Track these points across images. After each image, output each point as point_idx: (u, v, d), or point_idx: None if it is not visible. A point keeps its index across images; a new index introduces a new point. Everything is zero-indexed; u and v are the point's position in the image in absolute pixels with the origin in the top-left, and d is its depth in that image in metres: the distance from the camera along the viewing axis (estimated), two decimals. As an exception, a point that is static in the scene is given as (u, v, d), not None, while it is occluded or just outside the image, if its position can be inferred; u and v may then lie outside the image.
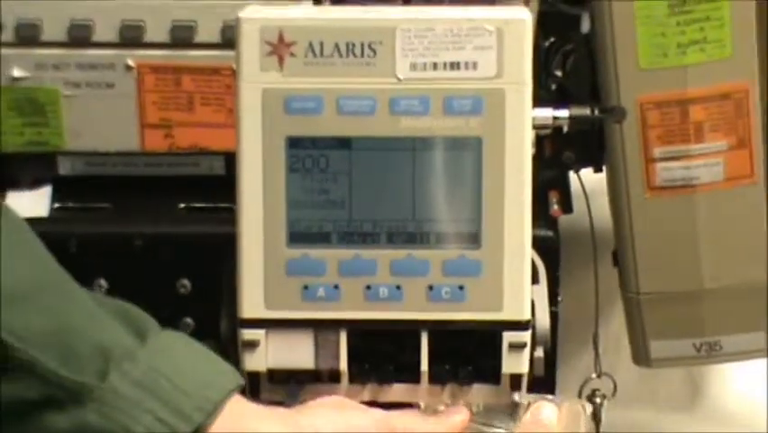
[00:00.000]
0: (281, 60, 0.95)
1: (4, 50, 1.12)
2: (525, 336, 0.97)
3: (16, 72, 1.13)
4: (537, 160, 0.97)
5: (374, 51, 0.95)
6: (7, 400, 0.92)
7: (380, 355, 0.99)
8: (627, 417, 1.19)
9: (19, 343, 0.90)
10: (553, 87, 1.13)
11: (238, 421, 0.93)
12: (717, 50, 1.07)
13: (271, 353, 0.98)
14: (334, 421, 0.94)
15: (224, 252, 0.98)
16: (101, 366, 0.92)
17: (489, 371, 0.98)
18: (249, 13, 0.95)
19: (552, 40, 1.14)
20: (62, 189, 1.17)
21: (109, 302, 0.97)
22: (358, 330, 0.98)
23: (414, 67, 0.95)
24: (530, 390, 0.99)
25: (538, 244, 0.98)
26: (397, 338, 0.98)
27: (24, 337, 0.90)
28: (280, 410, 0.95)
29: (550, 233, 1.13)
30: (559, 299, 1.12)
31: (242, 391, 0.95)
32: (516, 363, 0.97)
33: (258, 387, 0.99)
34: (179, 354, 0.95)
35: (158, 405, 0.92)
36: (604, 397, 1.12)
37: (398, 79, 0.95)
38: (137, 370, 0.93)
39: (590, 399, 1.12)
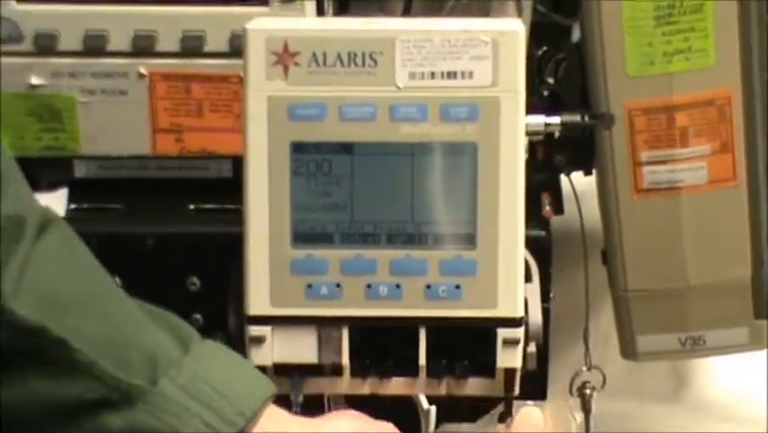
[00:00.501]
0: (286, 69, 0.94)
1: (23, 59, 1.12)
2: (519, 333, 0.96)
3: (34, 80, 1.12)
4: (530, 163, 0.97)
5: (375, 61, 0.94)
6: (66, 400, 0.92)
7: (380, 351, 0.98)
8: (616, 408, 1.18)
9: (80, 345, 0.90)
10: (546, 93, 1.12)
11: (274, 426, 0.93)
12: (701, 59, 1.07)
13: (277, 348, 0.98)
14: (355, 426, 0.95)
15: (231, 251, 0.97)
16: (150, 372, 0.92)
17: (483, 365, 0.97)
18: (255, 25, 0.95)
19: (544, 49, 1.13)
20: (78, 191, 1.16)
21: (154, 311, 0.97)
22: (359, 327, 0.97)
23: (413, 76, 0.94)
24: (522, 383, 0.98)
25: (531, 243, 0.98)
26: (396, 334, 0.97)
27: (84, 341, 0.91)
28: (307, 418, 0.96)
29: (542, 233, 1.13)
30: (551, 296, 1.11)
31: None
32: (509, 358, 0.97)
33: None
34: (220, 364, 0.95)
35: (203, 409, 0.92)
36: (593, 389, 1.13)
37: (398, 88, 0.94)
38: (182, 377, 0.93)
39: (581, 391, 1.12)
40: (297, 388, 0.99)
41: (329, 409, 1.12)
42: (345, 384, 0.99)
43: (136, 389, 0.92)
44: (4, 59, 1.11)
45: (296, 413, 0.98)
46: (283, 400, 0.95)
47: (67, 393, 0.92)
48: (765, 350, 1.14)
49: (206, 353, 0.96)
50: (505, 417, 1.02)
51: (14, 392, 0.93)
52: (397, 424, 1.08)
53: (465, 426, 1.11)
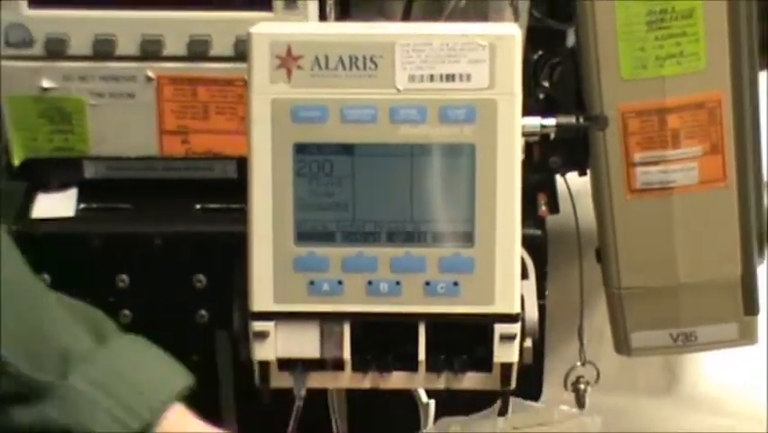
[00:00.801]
0: (289, 73, 0.93)
1: (35, 63, 1.11)
2: (515, 328, 0.95)
3: (45, 83, 1.12)
4: (526, 164, 0.95)
5: (375, 64, 0.93)
6: None
7: (381, 346, 0.97)
8: (609, 402, 1.18)
9: None
10: (541, 96, 1.11)
11: (179, 423, 0.95)
12: (692, 62, 1.06)
13: (280, 343, 0.96)
14: None
15: (236, 249, 0.96)
16: (62, 366, 0.92)
17: (481, 360, 0.96)
18: (259, 29, 0.94)
19: (540, 53, 1.12)
20: (87, 191, 1.16)
21: (75, 305, 0.98)
22: (360, 322, 0.96)
23: (412, 79, 0.93)
24: (519, 378, 0.97)
25: (527, 242, 0.97)
26: (396, 330, 0.96)
27: None
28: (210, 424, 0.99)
29: (538, 232, 1.12)
30: (546, 293, 1.10)
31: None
32: (506, 353, 0.96)
33: (268, 375, 0.97)
34: (135, 357, 0.96)
35: (113, 404, 0.93)
36: (588, 384, 1.12)
37: (398, 90, 0.93)
38: (95, 370, 0.93)
39: (575, 385, 1.12)
40: (299, 382, 0.97)
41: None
42: (347, 379, 0.98)
43: (46, 384, 0.92)
44: (16, 63, 1.11)
45: (299, 407, 0.98)
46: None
47: None
48: (755, 345, 1.13)
49: (123, 346, 0.97)
50: (503, 411, 1.02)
51: None
52: (396, 418, 1.08)
53: (464, 419, 1.09)
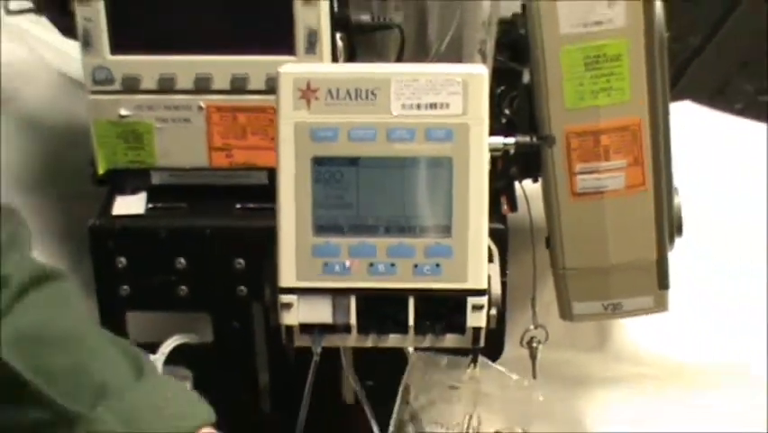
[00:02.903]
0: (308, 102, 0.91)
1: (115, 96, 1.08)
2: (483, 300, 0.92)
3: (123, 111, 1.08)
4: (492, 173, 0.93)
5: (375, 95, 0.90)
6: (20, 423, 0.87)
7: (380, 314, 0.94)
8: (555, 356, 1.14)
9: (33, 377, 0.85)
10: (503, 121, 1.08)
11: None
12: (619, 95, 1.03)
13: (301, 311, 0.93)
14: None
15: (267, 239, 0.93)
16: (95, 399, 0.86)
17: (457, 325, 0.93)
18: (286, 69, 0.91)
19: (502, 88, 1.09)
20: (154, 195, 1.12)
21: (121, 342, 0.93)
22: (363, 296, 0.93)
23: (404, 107, 0.91)
24: (486, 338, 0.94)
25: (492, 233, 0.94)
26: (391, 302, 0.93)
27: (40, 373, 0.86)
28: None
29: (501, 226, 1.08)
30: (507, 273, 1.07)
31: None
32: (476, 319, 0.93)
33: (292, 337, 0.94)
34: (165, 393, 0.90)
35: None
36: (539, 342, 1.09)
37: (393, 115, 0.90)
38: (123, 405, 0.87)
39: (529, 344, 1.09)
40: (317, 342, 0.94)
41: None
42: (353, 339, 0.95)
43: (76, 413, 0.86)
44: (101, 96, 1.08)
45: (316, 361, 0.95)
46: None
47: (19, 417, 0.86)
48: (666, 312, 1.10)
49: (156, 384, 0.91)
50: (474, 363, 1.02)
51: None
52: (390, 368, 1.04)
53: (440, 356, 1.06)
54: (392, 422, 1.06)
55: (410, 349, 1.03)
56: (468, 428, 1.04)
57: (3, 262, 0.89)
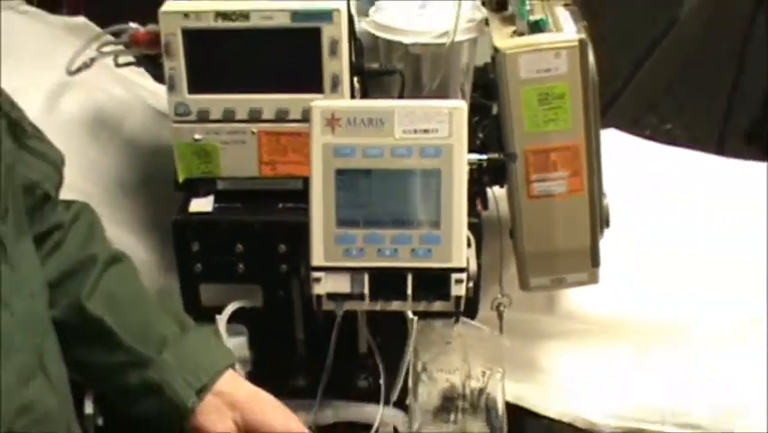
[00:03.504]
0: (333, 129, 0.88)
1: (191, 125, 1.03)
2: (463, 276, 0.90)
3: (197, 136, 1.04)
4: (470, 181, 0.91)
5: (383, 123, 0.88)
6: (108, 363, 0.89)
7: (386, 286, 0.91)
8: (517, 317, 1.09)
9: (118, 330, 0.88)
10: (478, 142, 1.04)
11: (229, 383, 0.91)
12: (562, 123, 0.98)
13: (328, 284, 0.90)
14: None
15: (302, 230, 0.91)
16: (160, 346, 0.89)
17: (444, 294, 0.91)
18: (316, 103, 0.89)
19: (477, 118, 1.05)
20: (219, 197, 1.07)
21: (168, 305, 0.95)
22: (374, 273, 0.90)
23: (404, 131, 0.88)
24: (465, 304, 0.91)
25: (470, 226, 0.91)
26: (395, 277, 0.90)
27: (121, 327, 0.88)
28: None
29: (476, 220, 1.03)
30: (481, 255, 1.02)
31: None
32: (458, 290, 0.90)
33: (321, 303, 0.91)
34: (202, 342, 0.92)
35: (186, 372, 0.88)
36: (504, 306, 1.05)
37: (396, 138, 0.88)
38: (178, 350, 0.89)
39: (497, 308, 1.05)
40: (339, 306, 0.91)
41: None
42: (366, 305, 0.92)
43: (149, 357, 0.88)
44: (181, 125, 1.03)
45: (338, 322, 0.92)
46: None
47: (108, 359, 0.88)
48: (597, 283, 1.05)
49: (196, 335, 0.92)
50: (456, 321, 0.99)
51: (79, 359, 0.88)
52: (393, 327, 1.01)
53: (435, 321, 1.02)
54: (401, 372, 1.01)
55: (409, 313, 0.99)
56: (468, 372, 1.00)
57: (91, 246, 0.91)
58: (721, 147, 1.89)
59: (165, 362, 0.88)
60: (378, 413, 1.07)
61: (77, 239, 0.91)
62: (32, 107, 1.11)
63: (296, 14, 0.97)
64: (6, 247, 0.76)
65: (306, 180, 0.91)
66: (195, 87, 1.01)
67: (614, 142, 1.27)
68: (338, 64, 0.98)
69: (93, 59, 1.09)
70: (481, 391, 0.99)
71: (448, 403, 0.99)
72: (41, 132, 0.91)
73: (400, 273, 0.90)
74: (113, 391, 0.90)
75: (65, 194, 0.93)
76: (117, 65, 1.08)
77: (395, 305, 0.91)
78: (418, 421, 0.98)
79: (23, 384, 0.73)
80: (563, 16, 1.01)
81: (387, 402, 1.07)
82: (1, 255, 0.75)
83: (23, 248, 0.81)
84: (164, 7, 0.99)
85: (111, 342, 0.87)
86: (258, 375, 1.07)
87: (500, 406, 0.98)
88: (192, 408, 0.87)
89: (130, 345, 0.87)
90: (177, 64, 1.00)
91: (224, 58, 1.00)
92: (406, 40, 1.01)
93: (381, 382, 1.07)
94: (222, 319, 1.05)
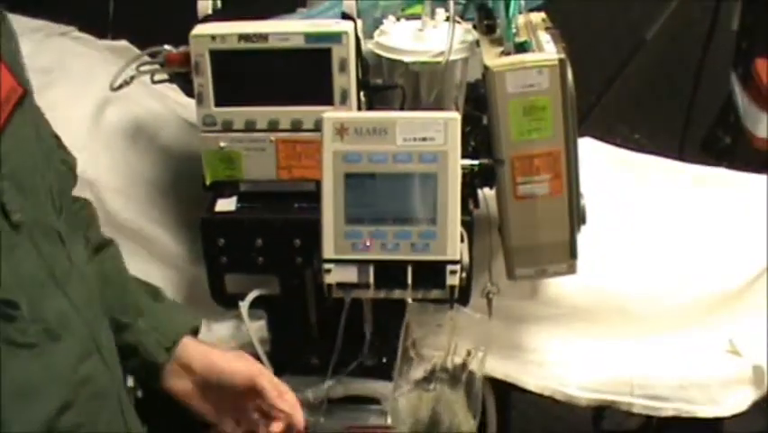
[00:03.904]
0: (342, 137, 0.87)
1: (217, 134, 1.01)
2: (457, 267, 0.88)
3: (222, 144, 1.01)
4: (463, 183, 0.89)
5: (386, 132, 0.86)
6: None
7: (389, 277, 0.89)
8: (504, 303, 1.07)
9: (109, 302, 0.87)
10: (470, 149, 1.00)
11: (194, 344, 0.91)
12: (545, 132, 0.95)
13: (337, 274, 0.89)
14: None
15: (315, 227, 0.89)
16: (136, 314, 0.90)
17: (440, 283, 0.89)
18: (327, 115, 0.88)
19: (469, 127, 1.02)
20: (242, 197, 1.05)
21: (141, 280, 0.95)
22: (378, 265, 0.88)
23: (405, 140, 0.87)
24: (459, 292, 0.90)
25: (463, 223, 0.90)
26: (397, 268, 0.88)
27: (111, 299, 0.88)
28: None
29: (469, 218, 1.00)
30: (473, 249, 0.99)
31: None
32: (452, 280, 0.89)
33: (332, 290, 0.89)
34: (170, 308, 0.93)
35: (158, 334, 0.89)
36: (493, 294, 1.02)
37: (398, 145, 0.87)
38: (151, 317, 0.90)
39: (487, 296, 1.02)
40: (347, 294, 0.90)
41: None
42: (371, 293, 0.90)
43: (127, 323, 0.88)
44: (208, 134, 1.01)
45: (347, 307, 0.90)
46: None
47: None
48: (575, 273, 1.02)
49: (166, 304, 0.93)
50: (451, 307, 0.96)
51: None
52: (394, 313, 0.98)
53: (428, 305, 1.00)
54: (399, 347, 1.00)
55: (408, 300, 0.96)
56: (452, 350, 0.98)
57: (86, 232, 0.91)
58: (681, 154, 1.88)
59: (139, 326, 0.89)
60: (383, 388, 1.05)
61: None
62: (82, 118, 1.12)
63: (309, 36, 0.95)
64: (65, 242, 0.76)
65: (318, 183, 0.89)
66: (220, 101, 0.99)
67: (590, 149, 1.25)
68: (347, 80, 0.96)
69: (132, 77, 1.08)
70: (464, 365, 0.97)
71: (431, 376, 0.98)
72: (60, 138, 0.90)
73: (401, 265, 0.88)
74: None
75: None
76: (153, 82, 1.07)
77: (396, 293, 0.89)
78: (401, 389, 0.97)
79: (81, 362, 0.74)
80: (545, 38, 0.99)
81: (389, 378, 1.05)
82: (62, 250, 0.75)
83: (76, 242, 0.81)
84: (194, 31, 0.97)
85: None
86: (275, 354, 1.05)
87: (478, 381, 0.96)
88: (162, 363, 0.88)
89: (112, 314, 0.87)
90: (205, 81, 0.98)
91: (246, 75, 0.98)
92: (407, 59, 0.99)
93: (384, 360, 1.05)
94: (244, 305, 1.03)
